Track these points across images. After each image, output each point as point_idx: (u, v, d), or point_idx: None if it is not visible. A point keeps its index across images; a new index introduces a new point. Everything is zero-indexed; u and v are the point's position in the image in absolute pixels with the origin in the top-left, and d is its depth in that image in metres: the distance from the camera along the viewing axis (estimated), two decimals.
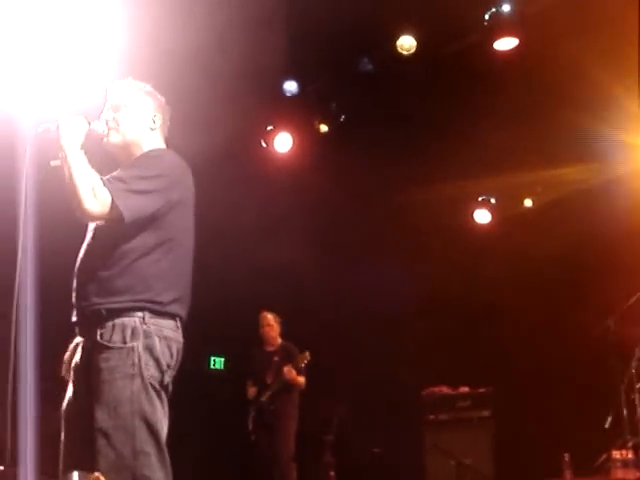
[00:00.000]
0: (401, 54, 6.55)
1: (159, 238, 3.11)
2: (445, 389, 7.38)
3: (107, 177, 3.06)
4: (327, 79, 6.87)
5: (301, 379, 6.79)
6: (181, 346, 3.14)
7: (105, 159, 3.23)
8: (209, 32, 5.96)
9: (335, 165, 7.19)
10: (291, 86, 7.14)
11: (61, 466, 3.05)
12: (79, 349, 3.12)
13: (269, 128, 7.45)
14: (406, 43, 6.54)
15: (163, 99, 3.38)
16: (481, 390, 7.24)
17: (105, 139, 3.21)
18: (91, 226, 3.21)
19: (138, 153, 3.24)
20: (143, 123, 3.29)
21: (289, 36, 6.21)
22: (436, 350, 7.47)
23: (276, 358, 6.91)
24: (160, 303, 3.06)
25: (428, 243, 7.70)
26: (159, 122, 3.32)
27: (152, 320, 3.04)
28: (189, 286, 3.22)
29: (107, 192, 2.97)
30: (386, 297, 7.66)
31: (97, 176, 3.01)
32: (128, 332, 3.00)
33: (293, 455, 6.65)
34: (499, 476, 6.81)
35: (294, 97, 7.15)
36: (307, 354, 6.76)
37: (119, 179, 3.04)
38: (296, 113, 7.29)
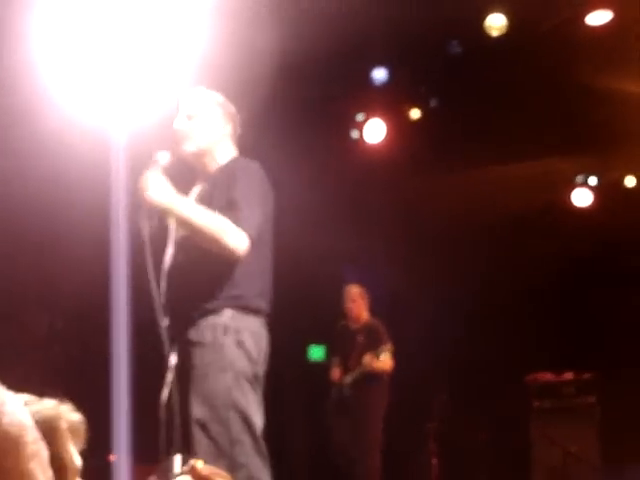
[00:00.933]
0: (491, 34, 6.42)
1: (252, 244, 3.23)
2: (549, 375, 7.22)
3: (216, 209, 3.17)
4: (416, 64, 6.78)
5: (385, 364, 6.46)
6: (267, 341, 3.31)
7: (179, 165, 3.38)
8: (295, 25, 5.98)
9: (428, 150, 7.10)
10: (380, 74, 7.08)
11: (162, 455, 3.17)
12: (174, 349, 3.27)
13: (359, 118, 7.41)
14: (496, 22, 6.40)
15: (233, 108, 3.51)
16: (586, 376, 7.05)
17: (181, 147, 3.38)
18: (173, 232, 3.36)
19: (211, 161, 3.41)
20: (215, 132, 3.43)
21: (375, 23, 6.16)
22: (538, 335, 7.33)
23: (360, 338, 6.63)
24: (247, 300, 3.24)
25: (524, 226, 7.53)
26: (230, 130, 3.47)
27: (240, 317, 3.20)
28: (271, 281, 3.39)
29: (234, 226, 3.10)
30: (486, 282, 7.55)
31: (216, 215, 3.13)
32: (219, 330, 3.17)
33: (379, 444, 6.43)
34: (606, 464, 6.63)
35: (383, 85, 7.10)
36: (389, 346, 6.46)
37: (235, 206, 3.16)
38: (386, 101, 7.23)
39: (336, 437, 6.58)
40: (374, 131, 7.29)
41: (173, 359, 3.26)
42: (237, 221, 3.14)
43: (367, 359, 6.43)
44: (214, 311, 3.19)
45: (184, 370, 3.20)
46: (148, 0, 4.70)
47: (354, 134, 7.39)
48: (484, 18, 6.40)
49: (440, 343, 7.56)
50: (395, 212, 7.62)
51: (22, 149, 5.49)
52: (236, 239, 3.12)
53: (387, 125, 7.28)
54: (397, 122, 7.28)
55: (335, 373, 6.70)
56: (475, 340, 7.53)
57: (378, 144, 7.32)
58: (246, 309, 3.22)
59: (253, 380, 3.19)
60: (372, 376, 6.50)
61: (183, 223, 3.22)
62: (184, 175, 3.47)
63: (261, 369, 3.25)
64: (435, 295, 7.60)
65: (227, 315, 3.19)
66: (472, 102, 6.90)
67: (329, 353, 7.23)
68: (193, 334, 3.20)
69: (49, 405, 1.39)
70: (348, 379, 6.56)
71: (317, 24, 5.94)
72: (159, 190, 3.18)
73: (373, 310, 6.91)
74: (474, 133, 7.01)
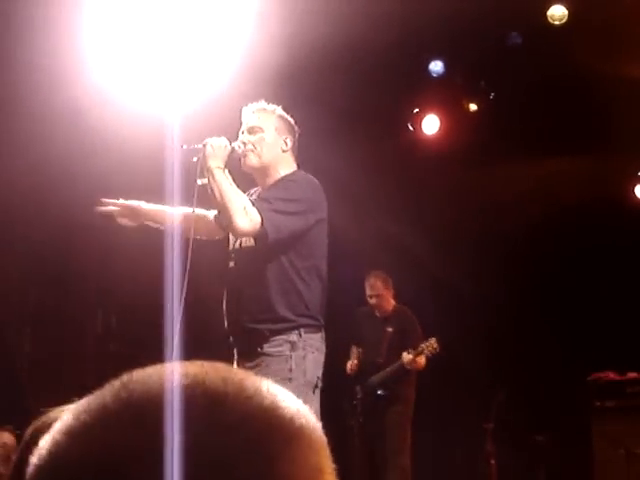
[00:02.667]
0: (552, 25, 6.26)
1: (303, 256, 3.38)
2: (612, 375, 7.02)
3: (254, 197, 3.38)
4: (474, 56, 6.63)
5: (422, 361, 6.03)
6: (324, 352, 3.45)
7: (239, 176, 3.46)
8: (352, 18, 5.88)
9: (486, 144, 6.96)
10: (437, 66, 6.95)
11: None
12: (235, 361, 3.40)
13: (415, 111, 7.30)
14: (557, 13, 6.24)
15: (293, 121, 3.58)
16: None
17: (242, 160, 3.45)
18: (232, 246, 3.47)
19: (273, 174, 3.50)
20: (277, 146, 3.50)
21: (432, 15, 6.04)
22: (601, 333, 7.14)
23: (389, 328, 6.12)
24: (312, 318, 3.38)
25: (583, 220, 7.32)
26: (290, 144, 3.54)
27: (306, 335, 3.35)
28: (326, 295, 3.52)
29: (256, 211, 3.22)
30: (546, 278, 7.39)
31: (246, 196, 3.31)
32: (286, 346, 3.31)
33: (409, 442, 6.04)
34: None
35: (440, 77, 6.97)
36: (434, 342, 5.98)
37: (265, 200, 3.31)
38: (443, 94, 7.10)
39: (362, 438, 6.11)
40: (430, 123, 7.17)
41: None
42: (262, 210, 3.24)
43: (406, 358, 5.98)
44: (282, 330, 3.32)
45: None
46: None
47: (411, 126, 7.27)
48: (544, 8, 6.25)
49: (499, 341, 7.41)
50: (449, 203, 7.47)
51: (76, 148, 5.49)
52: (246, 218, 3.20)
53: (444, 118, 7.15)
54: (454, 115, 7.15)
55: (353, 365, 6.20)
56: (535, 338, 7.36)
57: (434, 136, 7.20)
58: (310, 327, 3.36)
59: (314, 389, 3.34)
60: (404, 372, 6.08)
61: (214, 190, 3.26)
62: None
63: (320, 383, 3.39)
64: (494, 290, 7.44)
65: (294, 334, 3.32)
66: (531, 94, 6.73)
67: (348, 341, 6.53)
68: (260, 348, 3.32)
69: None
70: (379, 376, 6.09)
71: (374, 17, 5.84)
72: (218, 154, 3.28)
73: (399, 298, 6.45)
74: (533, 125, 6.85)
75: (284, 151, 3.53)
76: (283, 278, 3.34)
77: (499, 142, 6.95)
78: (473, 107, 7.11)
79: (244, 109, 3.56)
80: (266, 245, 3.27)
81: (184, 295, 3.24)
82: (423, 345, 6.01)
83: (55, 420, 0.68)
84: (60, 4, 4.82)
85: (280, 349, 3.30)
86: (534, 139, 6.89)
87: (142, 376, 0.68)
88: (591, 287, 7.35)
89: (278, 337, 3.31)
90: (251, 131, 3.50)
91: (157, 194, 3.52)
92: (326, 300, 3.52)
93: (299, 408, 0.70)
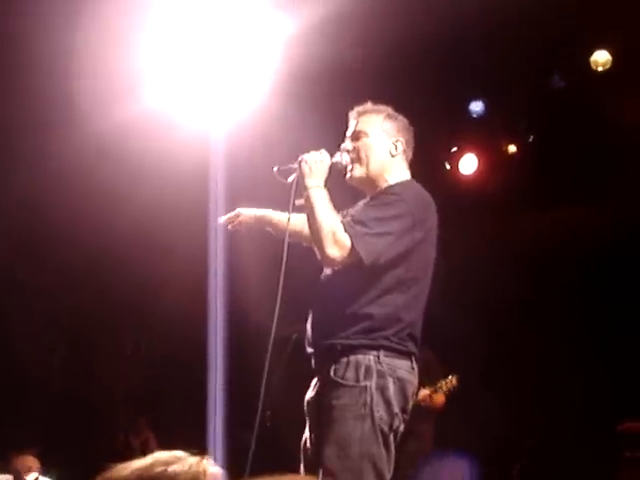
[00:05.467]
0: (595, 70, 6.29)
1: (398, 277, 3.01)
2: None
3: (348, 218, 3.02)
4: (515, 98, 6.66)
5: (439, 399, 5.98)
6: (415, 388, 3.07)
7: (347, 188, 3.18)
8: (395, 54, 5.95)
9: (524, 186, 6.95)
10: (477, 106, 6.99)
11: None
12: (313, 385, 3.11)
13: (453, 149, 7.33)
14: (601, 58, 6.27)
15: (406, 120, 3.25)
16: None
17: (348, 174, 3.15)
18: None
19: (382, 183, 3.13)
20: (384, 150, 3.15)
21: (475, 55, 6.09)
22: (631, 381, 7.04)
23: (442, 382, 6.10)
24: (396, 342, 2.99)
25: (617, 267, 7.26)
26: (401, 147, 3.17)
27: (387, 359, 2.97)
28: (421, 323, 3.12)
29: (347, 237, 2.90)
30: (578, 325, 7.31)
31: (338, 219, 2.97)
32: (362, 370, 2.94)
33: None
34: None
35: (480, 117, 7.00)
36: (453, 379, 5.95)
37: (360, 222, 2.96)
38: (482, 133, 7.13)
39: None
40: (468, 163, 7.19)
41: (310, 393, 3.11)
42: (354, 235, 2.92)
43: (423, 395, 5.91)
44: (359, 348, 2.96)
45: (319, 408, 3.03)
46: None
47: (448, 165, 7.29)
48: (588, 53, 6.28)
49: (525, 387, 7.34)
50: (483, 243, 7.45)
51: (124, 174, 5.55)
52: (335, 247, 2.90)
53: (482, 158, 7.17)
54: (492, 155, 7.16)
55: None
56: (564, 384, 7.28)
57: (471, 176, 7.21)
58: (394, 350, 2.98)
59: (389, 432, 2.97)
60: (421, 408, 5.87)
61: (308, 211, 3.00)
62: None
63: (400, 422, 3.02)
64: (524, 336, 7.38)
65: (372, 355, 2.96)
66: (572, 139, 6.74)
67: None
68: (334, 371, 2.98)
69: (193, 461, 1.44)
70: None
71: (417, 53, 5.91)
72: (316, 171, 3.02)
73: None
74: (572, 170, 6.84)
75: (393, 156, 3.15)
76: (373, 300, 2.98)
77: (536, 185, 6.95)
78: (512, 149, 7.12)
79: (350, 113, 3.22)
80: (363, 267, 2.94)
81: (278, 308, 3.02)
82: (442, 382, 5.98)
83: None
84: (111, 29, 4.92)
85: (356, 375, 2.94)
86: (572, 184, 6.87)
87: None
88: (623, 332, 7.27)
89: (354, 357, 2.96)
90: (354, 137, 3.17)
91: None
92: (421, 326, 3.14)
93: None
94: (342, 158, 3.13)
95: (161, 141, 5.41)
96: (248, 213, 3.43)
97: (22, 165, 5.55)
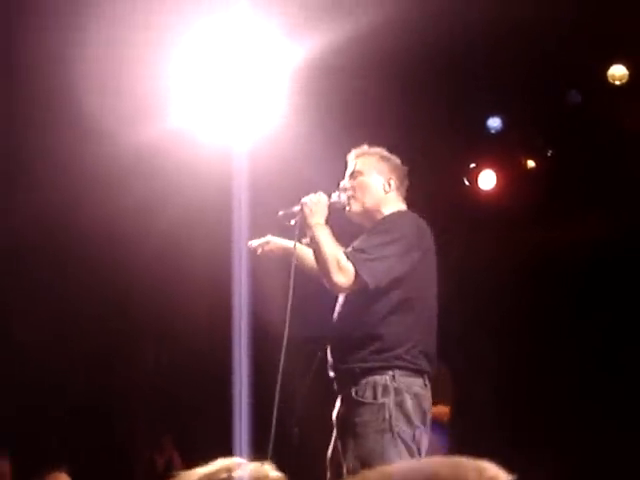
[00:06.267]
0: (612, 84, 6.31)
1: (401, 297, 3.28)
2: None
3: (349, 249, 3.29)
4: (533, 113, 6.69)
5: (438, 409, 6.05)
6: (431, 403, 3.31)
7: (347, 225, 3.49)
8: (409, 72, 6.01)
9: (544, 200, 6.96)
10: (495, 122, 7.02)
11: None
12: (337, 403, 3.36)
13: (472, 166, 7.35)
14: (617, 72, 6.29)
15: (398, 160, 3.57)
16: None
17: (347, 208, 3.46)
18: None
19: (378, 216, 3.45)
20: (378, 188, 3.47)
21: (492, 71, 6.13)
22: None
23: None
24: (408, 361, 3.24)
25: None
26: (394, 184, 3.49)
27: (402, 378, 3.21)
28: (434, 342, 3.39)
29: (350, 265, 3.18)
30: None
31: (341, 250, 3.25)
32: (379, 389, 3.18)
33: None
34: None
35: (498, 133, 7.03)
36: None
37: (360, 249, 3.25)
38: (500, 149, 7.15)
39: None
40: (487, 179, 7.22)
41: (336, 411, 3.35)
42: (356, 261, 3.20)
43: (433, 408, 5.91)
44: (375, 370, 3.22)
45: (345, 424, 3.26)
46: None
47: (467, 181, 7.32)
48: (605, 67, 6.31)
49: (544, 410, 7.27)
50: (499, 260, 7.44)
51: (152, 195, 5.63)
52: (340, 274, 3.19)
53: (500, 173, 7.19)
54: (511, 171, 7.18)
55: None
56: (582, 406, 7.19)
57: (490, 191, 7.24)
58: (407, 369, 3.23)
59: (411, 442, 3.17)
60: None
61: (314, 247, 3.31)
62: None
63: (421, 433, 3.23)
64: (540, 349, 7.34)
65: (388, 375, 3.21)
66: (590, 153, 6.75)
67: None
68: (354, 391, 3.23)
69: (254, 467, 1.49)
70: None
71: (433, 72, 5.96)
72: (316, 211, 3.32)
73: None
74: (592, 184, 6.84)
75: (387, 192, 3.49)
76: (382, 320, 3.25)
77: (556, 199, 6.95)
78: (531, 164, 7.14)
79: (349, 155, 3.58)
80: (368, 290, 3.23)
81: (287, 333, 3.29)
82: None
83: None
84: (136, 48, 5.01)
85: (374, 394, 3.19)
86: (592, 198, 6.87)
87: None
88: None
89: (372, 378, 3.21)
90: (352, 176, 3.51)
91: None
92: (435, 343, 3.40)
93: None
94: (340, 197, 3.46)
95: (185, 159, 5.52)
96: (277, 242, 3.70)
97: (47, 183, 5.65)
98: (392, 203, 3.48)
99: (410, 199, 6.40)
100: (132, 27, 4.86)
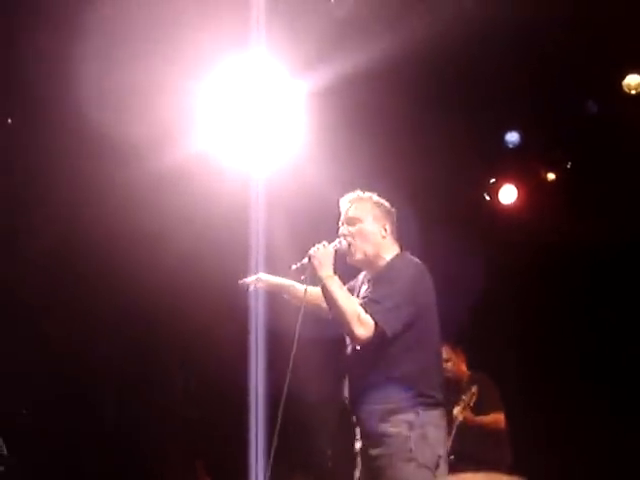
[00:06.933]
0: (628, 94, 6.30)
1: (415, 337, 3.44)
2: None
3: (362, 300, 3.45)
4: (550, 125, 6.70)
5: (487, 418, 5.83)
6: (446, 429, 3.51)
7: (346, 267, 3.63)
8: (426, 92, 6.06)
9: (565, 212, 6.95)
10: (512, 137, 7.04)
11: None
12: (358, 438, 3.51)
13: (492, 181, 7.37)
14: (633, 82, 6.29)
15: (388, 205, 3.71)
16: None
17: (348, 258, 3.60)
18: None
19: (379, 262, 3.60)
20: (377, 234, 3.62)
21: (508, 85, 6.16)
22: None
23: (464, 397, 5.89)
24: (428, 396, 3.42)
25: None
26: (389, 229, 3.65)
27: (424, 413, 3.39)
28: (442, 371, 3.62)
29: (369, 317, 3.34)
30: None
31: (356, 303, 3.43)
32: (404, 425, 3.35)
33: None
34: None
35: (516, 147, 7.04)
36: (474, 389, 5.79)
37: (374, 301, 3.41)
38: (519, 163, 7.16)
39: None
40: (508, 193, 7.23)
41: (357, 445, 3.50)
42: (373, 313, 3.35)
43: (456, 412, 5.72)
44: (399, 410, 3.37)
45: (370, 457, 3.42)
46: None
47: (487, 196, 7.34)
48: (620, 77, 6.30)
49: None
50: (527, 270, 7.42)
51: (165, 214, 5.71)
52: (361, 327, 3.33)
53: (521, 187, 7.20)
54: (531, 184, 7.19)
55: None
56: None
57: (512, 205, 7.24)
58: (428, 405, 3.40)
59: (435, 466, 3.36)
60: (477, 429, 5.79)
61: (327, 298, 3.45)
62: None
63: (445, 461, 3.42)
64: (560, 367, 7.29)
65: (412, 413, 3.37)
66: (609, 163, 6.74)
67: None
68: (379, 427, 3.38)
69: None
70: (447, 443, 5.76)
71: (450, 87, 6.00)
72: (325, 262, 3.46)
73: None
74: (611, 194, 6.82)
75: (384, 237, 3.63)
76: (398, 361, 3.41)
77: (578, 211, 6.93)
78: (551, 176, 7.15)
79: (341, 200, 3.71)
80: (385, 340, 3.39)
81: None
82: (467, 396, 5.81)
83: None
84: (161, 74, 5.13)
85: (399, 429, 3.34)
86: (613, 207, 6.85)
87: None
88: None
89: (396, 417, 3.36)
90: (350, 222, 3.64)
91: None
92: (442, 376, 3.61)
93: None
94: (341, 244, 3.58)
95: (205, 185, 5.62)
96: (267, 279, 3.89)
97: (66, 211, 5.75)
98: (389, 247, 3.63)
99: (433, 218, 6.49)
100: (161, 58, 4.99)
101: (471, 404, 5.84)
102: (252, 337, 3.69)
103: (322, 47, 5.41)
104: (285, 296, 3.86)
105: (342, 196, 3.71)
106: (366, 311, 3.36)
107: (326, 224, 3.82)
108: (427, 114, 6.19)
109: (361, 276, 3.75)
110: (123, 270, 5.93)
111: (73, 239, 5.81)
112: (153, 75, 5.09)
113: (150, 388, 6.37)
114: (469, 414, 5.82)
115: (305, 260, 3.50)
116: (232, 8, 4.93)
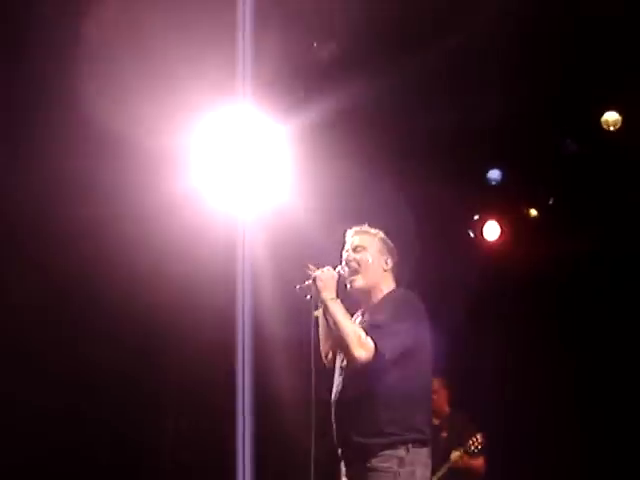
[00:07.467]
0: (607, 130, 6.42)
1: (411, 370, 3.50)
2: None
3: (366, 324, 3.52)
4: (531, 162, 6.81)
5: (477, 462, 5.96)
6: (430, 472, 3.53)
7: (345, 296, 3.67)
8: (411, 127, 6.15)
9: (549, 248, 7.03)
10: (494, 174, 7.15)
11: None
12: (344, 473, 3.56)
13: (476, 217, 7.46)
14: (611, 118, 6.41)
15: (392, 244, 3.79)
16: None
17: (348, 285, 3.67)
18: (340, 363, 3.64)
19: (377, 294, 3.68)
20: (379, 265, 3.70)
21: (488, 122, 6.26)
22: None
23: (443, 434, 6.01)
24: (420, 432, 3.47)
25: None
26: (390, 264, 3.72)
27: (414, 449, 3.43)
28: (431, 407, 3.67)
29: (370, 339, 3.39)
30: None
31: (358, 325, 3.51)
32: (395, 461, 3.39)
33: None
34: None
35: (499, 185, 7.15)
36: (479, 437, 5.92)
37: (376, 326, 3.47)
38: (502, 200, 7.27)
39: None
40: (491, 230, 7.32)
41: (344, 477, 3.55)
42: (374, 336, 3.40)
43: (454, 457, 5.90)
44: (390, 445, 3.40)
45: None
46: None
47: (471, 233, 7.42)
48: (599, 114, 6.42)
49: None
50: (513, 306, 7.49)
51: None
52: (361, 349, 3.37)
53: (504, 224, 7.29)
54: (514, 220, 7.28)
55: None
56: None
57: (495, 242, 7.33)
58: (418, 442, 3.44)
59: None
60: (465, 472, 5.94)
61: (329, 319, 3.53)
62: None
63: None
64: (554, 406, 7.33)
65: (403, 449, 3.41)
66: (590, 199, 6.85)
67: None
68: (369, 461, 3.41)
69: None
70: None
71: (432, 128, 6.10)
72: (328, 285, 3.54)
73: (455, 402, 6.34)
74: (594, 230, 6.91)
75: (385, 270, 3.71)
76: (393, 394, 3.44)
77: (561, 247, 7.02)
78: (533, 212, 7.25)
79: (348, 231, 3.81)
80: (383, 365, 3.43)
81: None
82: (470, 441, 5.92)
83: None
84: (151, 118, 5.21)
85: (388, 465, 3.38)
86: (594, 241, 6.94)
87: None
88: None
89: (386, 452, 3.40)
90: (355, 250, 3.72)
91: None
92: (431, 414, 3.67)
93: None
94: (344, 270, 3.66)
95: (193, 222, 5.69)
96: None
97: (61, 243, 5.76)
98: (388, 282, 3.70)
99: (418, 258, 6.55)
100: (149, 104, 5.08)
101: (472, 450, 5.93)
102: (238, 377, 3.73)
103: (307, 89, 5.53)
104: (313, 330, 3.84)
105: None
106: (367, 334, 3.41)
107: (310, 260, 3.82)
108: (410, 155, 6.30)
109: (359, 312, 3.77)
110: (112, 309, 5.94)
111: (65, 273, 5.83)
112: (144, 118, 5.16)
113: (141, 433, 6.35)
114: (466, 459, 5.93)
115: (309, 281, 3.58)
116: (218, 52, 5.03)
